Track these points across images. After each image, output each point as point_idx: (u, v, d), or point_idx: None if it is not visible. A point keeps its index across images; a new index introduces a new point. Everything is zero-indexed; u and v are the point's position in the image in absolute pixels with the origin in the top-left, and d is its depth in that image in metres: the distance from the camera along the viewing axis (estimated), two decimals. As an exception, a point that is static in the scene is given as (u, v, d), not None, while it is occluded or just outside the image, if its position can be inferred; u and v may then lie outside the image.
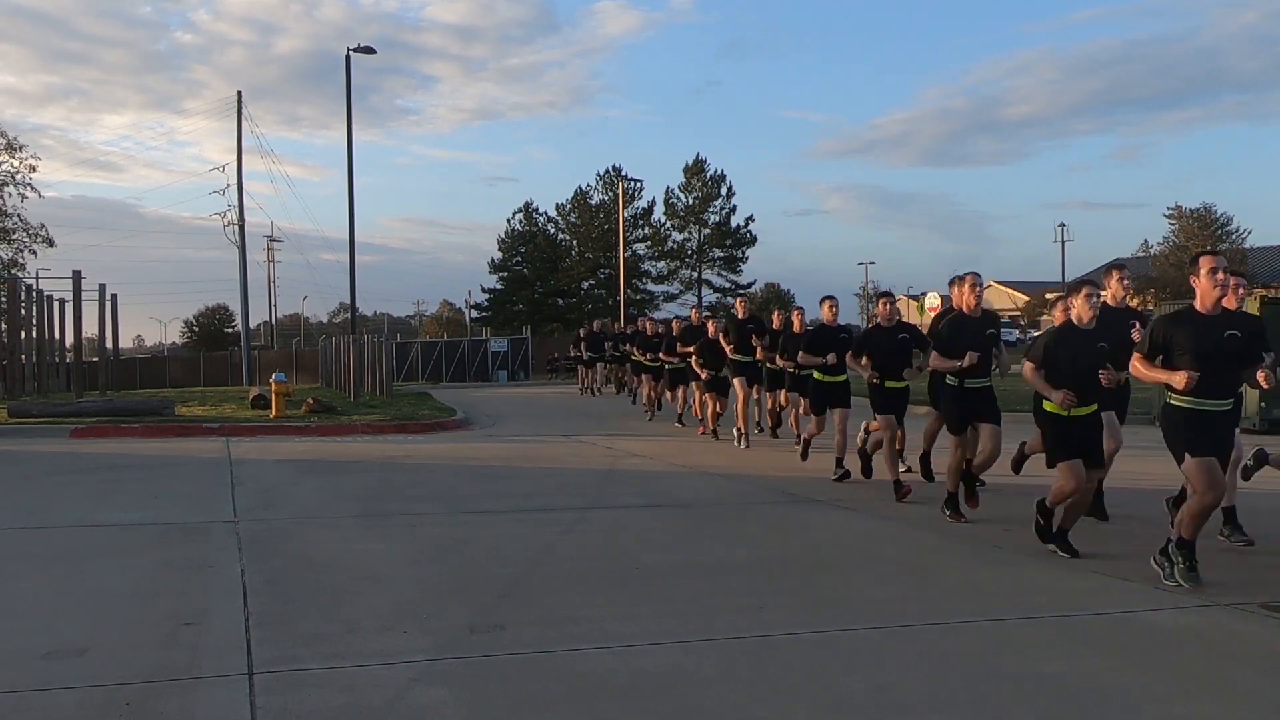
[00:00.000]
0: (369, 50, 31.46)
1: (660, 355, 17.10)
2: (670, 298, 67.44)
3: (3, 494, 9.84)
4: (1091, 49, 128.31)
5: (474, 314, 71.57)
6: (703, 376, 14.51)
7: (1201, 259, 5.88)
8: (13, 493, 9.95)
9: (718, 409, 14.53)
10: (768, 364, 14.13)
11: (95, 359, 34.65)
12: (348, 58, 30.86)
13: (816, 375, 10.79)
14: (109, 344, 32.16)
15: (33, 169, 39.46)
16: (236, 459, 12.57)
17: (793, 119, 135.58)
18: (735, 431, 13.82)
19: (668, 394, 18.03)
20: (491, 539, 7.47)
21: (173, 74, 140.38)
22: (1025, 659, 4.61)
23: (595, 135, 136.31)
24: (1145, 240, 66.95)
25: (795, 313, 13.00)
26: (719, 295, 67.47)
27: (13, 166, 38.95)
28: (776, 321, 13.91)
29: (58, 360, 30.63)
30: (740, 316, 14.63)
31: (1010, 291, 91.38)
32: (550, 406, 23.86)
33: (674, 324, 17.79)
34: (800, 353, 11.07)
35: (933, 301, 42.73)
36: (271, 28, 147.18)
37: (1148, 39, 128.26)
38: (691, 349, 14.85)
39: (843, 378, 10.64)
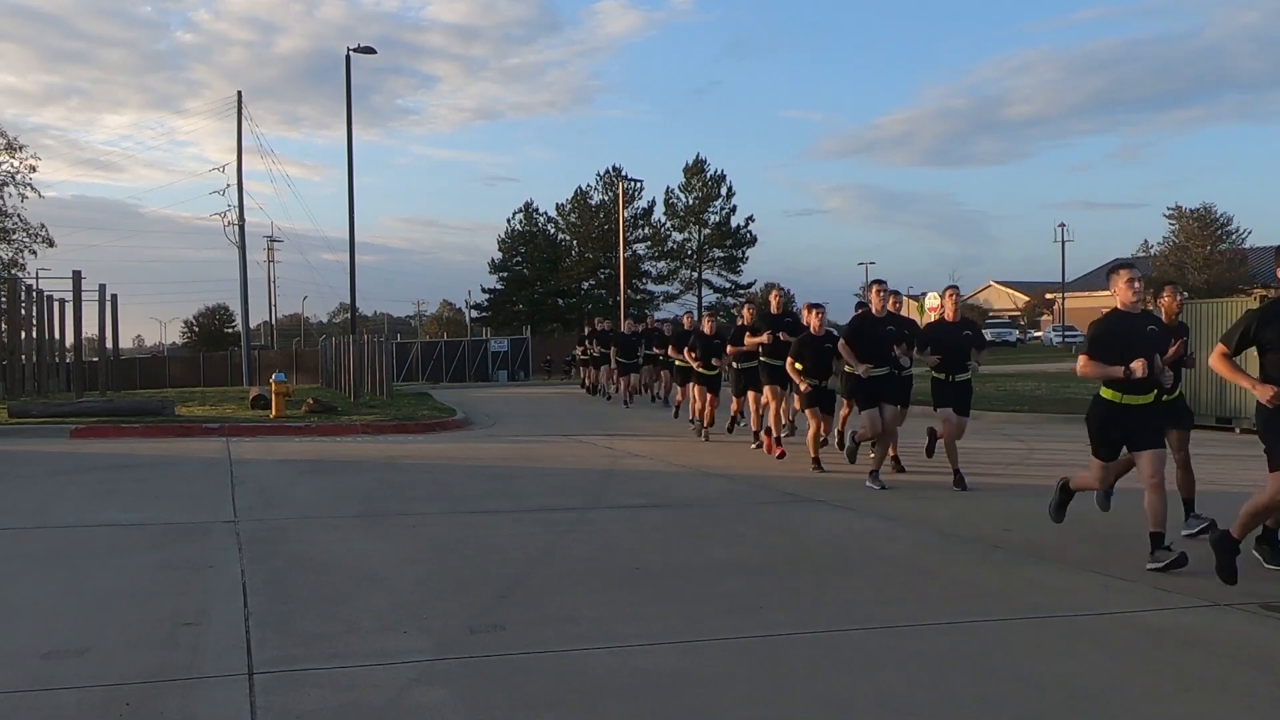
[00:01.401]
0: (369, 50, 31.46)
1: (727, 352, 13.44)
2: (670, 298, 67.53)
3: (3, 494, 9.84)
4: (1093, 49, 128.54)
5: (474, 314, 71.63)
6: (802, 388, 11.14)
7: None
8: (13, 493, 9.95)
9: (822, 431, 11.36)
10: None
11: (95, 359, 34.66)
12: (348, 58, 30.88)
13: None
14: (109, 344, 32.14)
15: (33, 169, 39.46)
16: (236, 459, 12.57)
17: (793, 119, 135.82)
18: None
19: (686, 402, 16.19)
20: (491, 539, 7.47)
21: (173, 74, 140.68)
22: (1025, 659, 4.61)
23: (595, 135, 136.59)
24: (1145, 240, 67.03)
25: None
26: (719, 295, 67.49)
27: (13, 166, 38.95)
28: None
29: (58, 360, 30.62)
30: (877, 312, 10.26)
31: (1010, 291, 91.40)
32: (550, 406, 23.86)
33: (745, 312, 13.44)
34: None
35: (933, 301, 42.76)
36: (272, 27, 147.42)
37: (1149, 39, 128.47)
38: (764, 339, 12.07)
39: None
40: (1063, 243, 76.25)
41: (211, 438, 15.56)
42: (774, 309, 12.78)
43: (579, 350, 29.17)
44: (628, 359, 21.99)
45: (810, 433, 11.28)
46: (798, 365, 11.06)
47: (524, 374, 43.45)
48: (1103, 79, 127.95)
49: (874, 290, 10.32)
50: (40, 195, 40.11)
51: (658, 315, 52.54)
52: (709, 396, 14.52)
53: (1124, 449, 6.56)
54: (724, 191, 66.87)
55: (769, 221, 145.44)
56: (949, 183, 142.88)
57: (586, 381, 29.29)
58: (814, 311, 11.29)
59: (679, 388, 16.88)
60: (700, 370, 14.51)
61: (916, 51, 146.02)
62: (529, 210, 68.33)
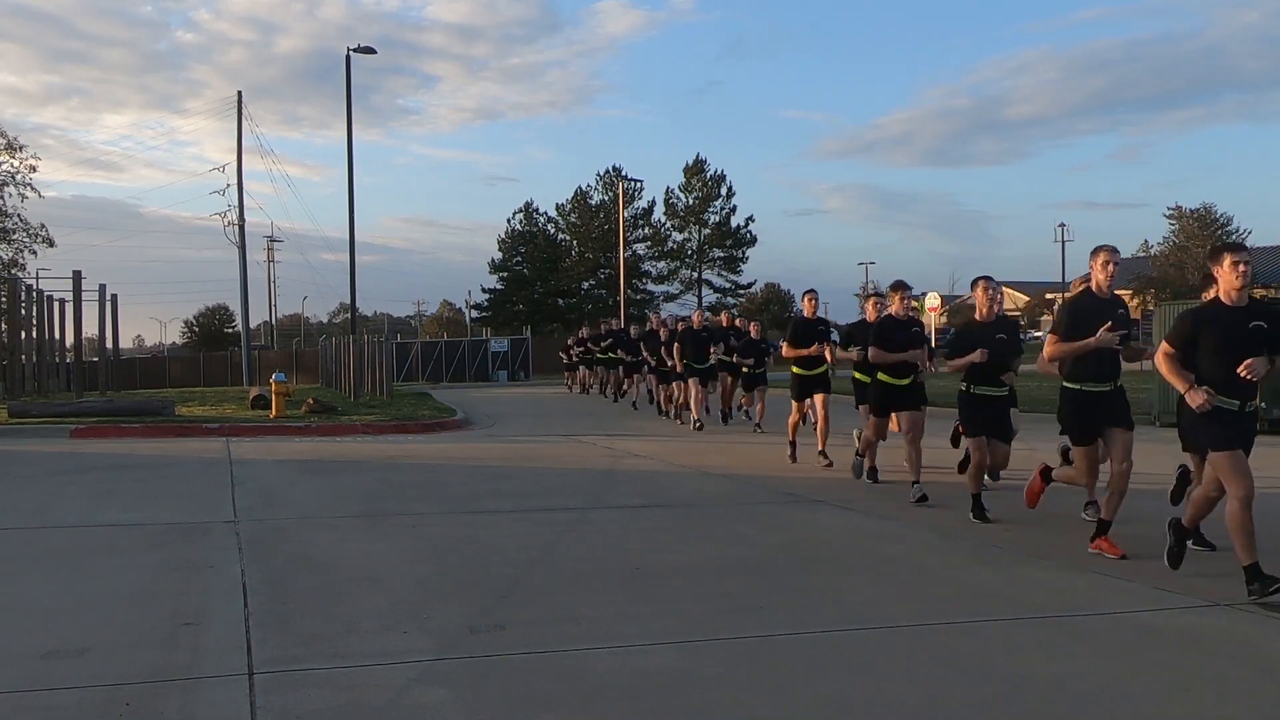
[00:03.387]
0: (369, 50, 31.50)
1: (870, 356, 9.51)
2: (670, 298, 67.56)
3: (3, 494, 9.84)
4: (1093, 48, 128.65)
5: (474, 314, 71.70)
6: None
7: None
8: (13, 493, 9.95)
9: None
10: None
11: (95, 359, 34.70)
12: (348, 58, 30.91)
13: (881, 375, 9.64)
14: (109, 344, 32.15)
15: (33, 169, 39.45)
16: (236, 459, 12.57)
17: (793, 119, 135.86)
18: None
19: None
20: (491, 539, 7.47)
21: (173, 73, 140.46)
22: (1025, 659, 4.60)
23: (595, 135, 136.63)
24: (1145, 240, 67.05)
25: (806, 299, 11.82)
26: (719, 295, 67.50)
27: (13, 166, 38.94)
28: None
29: (58, 360, 30.63)
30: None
31: (1010, 291, 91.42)
32: (550, 406, 23.87)
33: (869, 306, 10.67)
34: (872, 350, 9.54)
35: (933, 301, 42.78)
36: (273, 27, 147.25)
37: (1150, 38, 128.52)
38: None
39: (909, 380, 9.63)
40: (1063, 243, 76.36)
41: (211, 438, 15.56)
42: (898, 311, 9.28)
43: (569, 351, 28.96)
44: (700, 363, 16.42)
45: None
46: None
47: (524, 374, 43.48)
48: (1103, 79, 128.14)
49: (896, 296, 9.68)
50: (40, 195, 40.13)
51: (662, 312, 52.56)
52: (913, 417, 9.23)
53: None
54: (724, 191, 66.90)
55: (769, 221, 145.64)
56: (949, 183, 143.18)
57: (572, 385, 29.20)
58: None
59: (795, 404, 12.03)
60: (890, 380, 9.34)
61: (916, 51, 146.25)
62: (529, 210, 68.38)
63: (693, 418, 16.48)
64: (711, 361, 16.42)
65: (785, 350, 11.77)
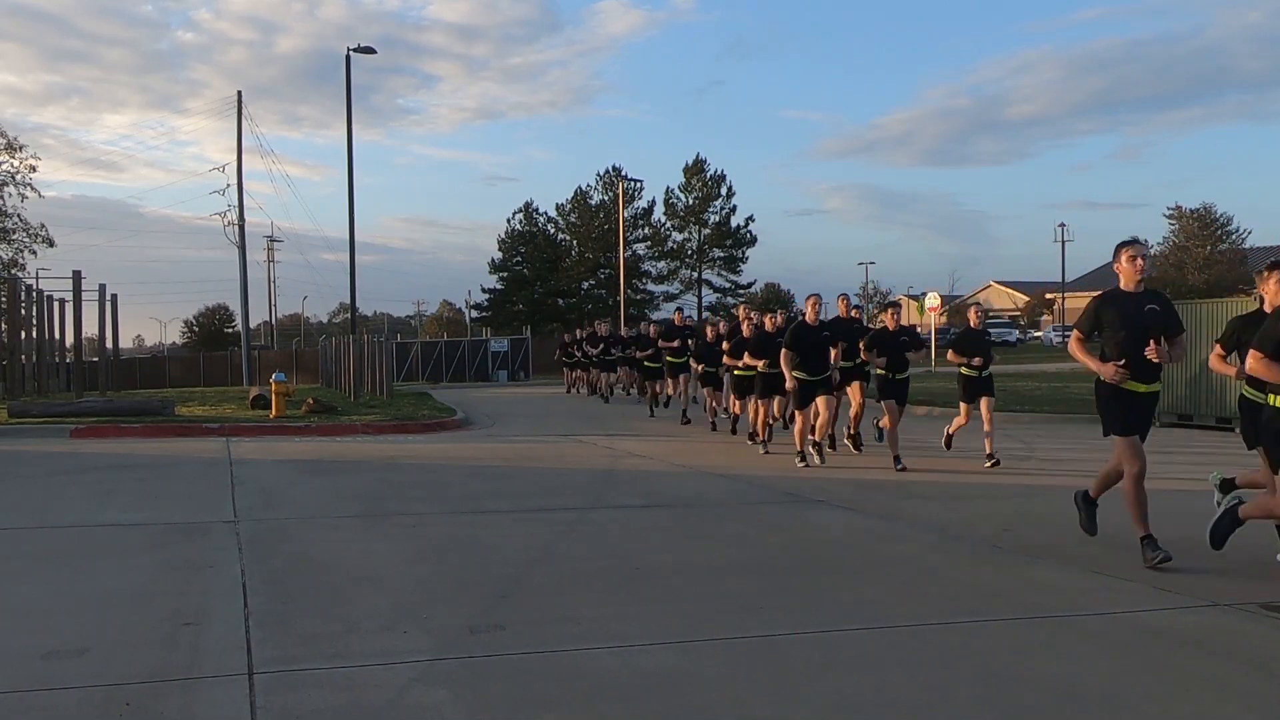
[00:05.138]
0: (369, 50, 31.50)
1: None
2: (670, 298, 67.55)
3: (3, 494, 9.84)
4: (1094, 48, 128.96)
5: (474, 314, 71.69)
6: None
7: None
8: (13, 493, 9.95)
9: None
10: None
11: (95, 359, 34.69)
12: (348, 57, 30.90)
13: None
14: (109, 344, 32.16)
15: (33, 169, 39.42)
16: (236, 459, 12.57)
17: (794, 119, 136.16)
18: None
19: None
20: (491, 539, 7.46)
21: (173, 73, 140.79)
22: (1025, 659, 4.60)
23: (595, 135, 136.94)
24: (1145, 240, 67.08)
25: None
26: (719, 295, 67.50)
27: (13, 166, 38.91)
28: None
29: (58, 360, 30.63)
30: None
31: (1010, 291, 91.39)
32: (550, 407, 23.88)
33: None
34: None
35: (933, 301, 42.77)
36: (273, 26, 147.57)
37: (1150, 38, 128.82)
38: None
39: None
40: (1063, 243, 76.35)
41: (211, 438, 15.56)
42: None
43: (579, 348, 28.59)
44: (818, 374, 11.62)
45: None
46: None
47: (524, 374, 43.50)
48: (1103, 79, 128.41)
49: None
50: (40, 195, 40.14)
51: (663, 310, 52.39)
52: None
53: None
54: (724, 191, 66.89)
55: (769, 221, 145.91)
56: (949, 183, 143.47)
57: (570, 386, 29.06)
58: None
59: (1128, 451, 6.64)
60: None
61: (917, 51, 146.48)
62: (529, 210, 68.36)
63: (808, 449, 11.74)
64: (832, 373, 11.80)
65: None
